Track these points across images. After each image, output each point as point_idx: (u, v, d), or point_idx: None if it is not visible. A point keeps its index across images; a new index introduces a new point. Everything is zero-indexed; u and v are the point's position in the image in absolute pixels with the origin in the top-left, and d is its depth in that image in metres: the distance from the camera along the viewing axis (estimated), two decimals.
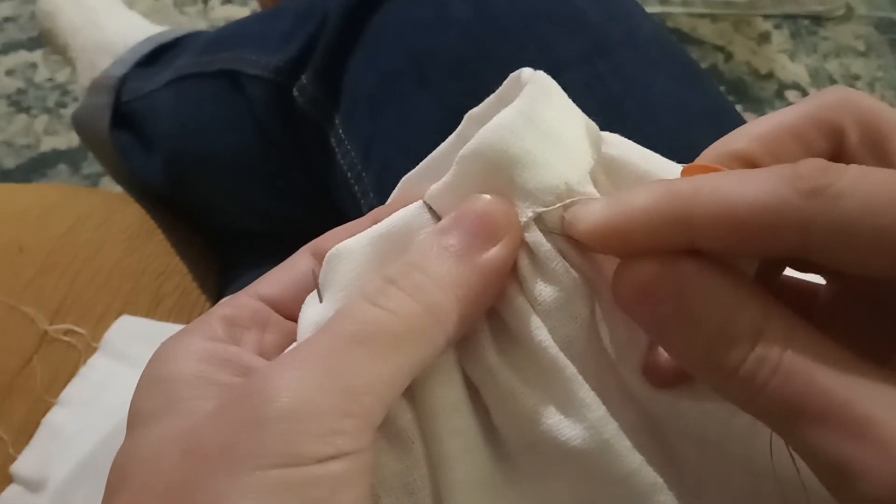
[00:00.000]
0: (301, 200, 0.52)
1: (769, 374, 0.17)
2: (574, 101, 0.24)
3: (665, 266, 0.18)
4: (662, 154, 0.24)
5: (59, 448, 0.46)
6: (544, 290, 0.20)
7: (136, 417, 0.20)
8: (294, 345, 0.21)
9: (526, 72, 0.23)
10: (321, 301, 0.22)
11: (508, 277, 0.20)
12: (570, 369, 0.20)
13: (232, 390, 0.19)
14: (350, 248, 0.21)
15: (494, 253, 0.20)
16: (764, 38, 1.31)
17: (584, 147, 0.22)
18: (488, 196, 0.20)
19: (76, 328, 0.51)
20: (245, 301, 0.23)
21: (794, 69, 1.27)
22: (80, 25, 0.72)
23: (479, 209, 0.20)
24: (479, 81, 0.42)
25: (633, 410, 0.21)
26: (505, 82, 0.23)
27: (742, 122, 0.41)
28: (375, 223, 0.22)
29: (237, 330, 0.22)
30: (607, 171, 0.22)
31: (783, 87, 1.26)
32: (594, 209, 0.19)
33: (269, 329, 0.23)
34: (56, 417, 0.47)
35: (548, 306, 0.20)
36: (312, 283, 0.23)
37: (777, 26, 1.32)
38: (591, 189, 0.21)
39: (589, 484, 0.20)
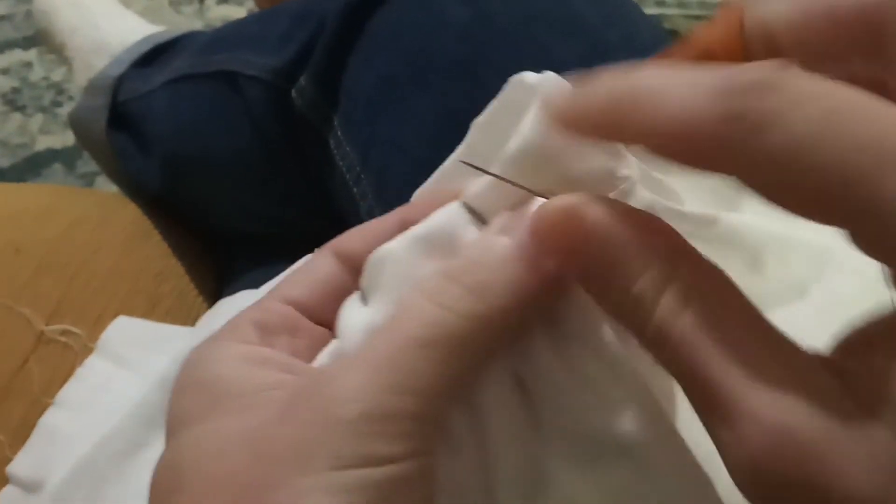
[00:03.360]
0: (299, 203, 0.52)
1: (664, 341, 0.16)
2: None
3: (571, 222, 0.18)
4: None
5: (56, 450, 0.46)
6: None
7: (179, 420, 0.20)
8: (347, 345, 0.21)
9: (529, 75, 0.23)
10: (365, 304, 0.22)
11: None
12: (630, 364, 0.20)
13: (296, 390, 0.19)
14: (393, 250, 0.21)
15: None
16: None
17: None
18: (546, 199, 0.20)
19: (73, 329, 0.51)
20: (273, 306, 0.23)
21: None
22: (77, 25, 0.72)
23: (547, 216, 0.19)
24: (477, 83, 0.42)
25: None
26: (506, 87, 0.23)
27: None
28: (403, 221, 0.22)
29: (268, 335, 0.22)
30: None
31: None
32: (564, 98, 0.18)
33: (299, 334, 0.23)
34: (53, 419, 0.47)
35: None
36: (340, 285, 0.23)
37: None
38: (627, 172, 0.21)
39: (638, 479, 0.20)
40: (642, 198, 0.21)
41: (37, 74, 1.19)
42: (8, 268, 0.52)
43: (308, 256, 0.25)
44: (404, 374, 0.18)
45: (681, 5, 1.33)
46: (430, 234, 0.21)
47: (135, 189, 0.65)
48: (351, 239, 0.24)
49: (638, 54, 0.42)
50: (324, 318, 0.23)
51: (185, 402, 0.20)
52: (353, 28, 0.45)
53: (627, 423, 0.20)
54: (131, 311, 0.52)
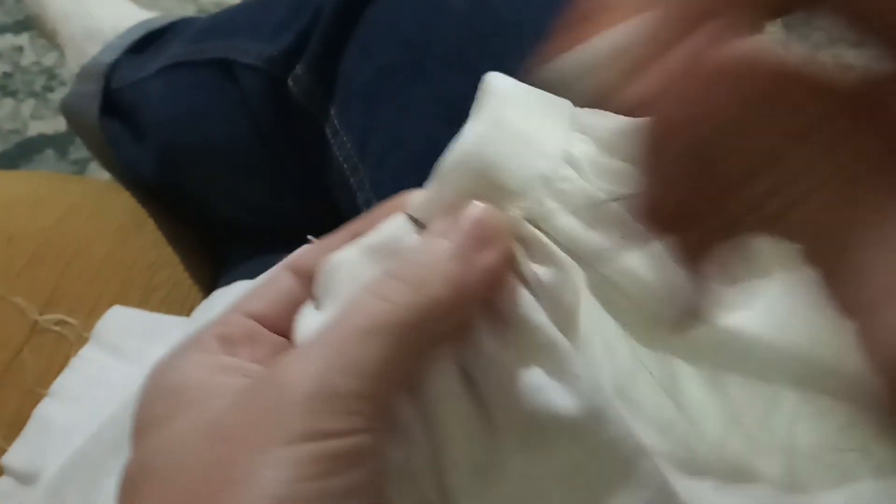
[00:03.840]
0: (296, 193, 0.52)
1: None
2: None
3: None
4: None
5: (51, 441, 0.45)
6: (541, 272, 0.23)
7: (145, 424, 0.21)
8: (304, 340, 0.23)
9: (486, 77, 0.25)
10: (318, 310, 0.24)
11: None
12: (565, 344, 0.22)
13: (250, 382, 0.21)
14: (344, 259, 0.23)
15: (491, 256, 0.22)
16: (756, 28, 1.31)
17: (555, 133, 0.24)
18: (480, 204, 0.22)
19: (67, 319, 0.50)
20: (235, 319, 0.24)
21: None
22: (69, 10, 0.71)
23: (474, 215, 0.22)
24: (476, 74, 0.41)
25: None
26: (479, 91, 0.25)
27: None
28: (353, 236, 0.24)
29: (231, 346, 0.24)
30: (593, 139, 0.24)
31: None
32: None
33: (260, 344, 0.24)
34: (47, 409, 0.47)
35: (547, 284, 0.22)
36: (297, 298, 0.25)
37: None
38: (567, 172, 0.23)
39: (578, 453, 0.22)
40: (592, 188, 0.23)
41: (28, 59, 1.18)
42: (1, 257, 0.51)
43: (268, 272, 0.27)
44: (350, 358, 0.20)
45: None
46: (378, 242, 0.23)
47: (128, 178, 0.64)
48: (307, 255, 0.26)
49: None
50: (283, 329, 0.25)
51: (152, 408, 0.22)
52: (350, 16, 0.45)
53: (566, 400, 0.22)
54: (126, 301, 0.52)
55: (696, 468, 0.22)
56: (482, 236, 0.22)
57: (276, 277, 0.26)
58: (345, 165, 0.44)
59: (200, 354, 0.23)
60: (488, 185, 0.23)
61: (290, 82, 0.47)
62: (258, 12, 0.54)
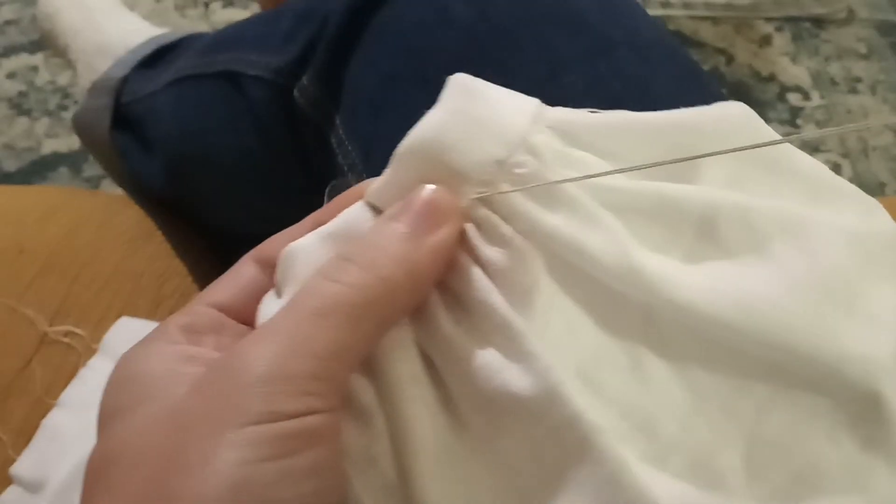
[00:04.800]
0: (302, 202, 0.52)
1: None
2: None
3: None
4: None
5: (58, 450, 0.46)
6: (496, 254, 0.23)
7: (108, 415, 0.22)
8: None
9: (450, 78, 0.26)
10: (279, 297, 0.24)
11: (458, 251, 0.23)
12: (519, 325, 0.22)
13: (207, 369, 0.21)
14: (303, 246, 0.24)
15: (441, 235, 0.22)
16: (765, 40, 1.31)
17: (516, 122, 0.24)
18: (432, 185, 0.23)
19: (76, 330, 0.51)
20: (199, 309, 0.25)
21: (795, 72, 1.27)
22: (81, 27, 0.72)
23: (425, 197, 0.23)
24: None
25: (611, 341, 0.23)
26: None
27: None
28: (317, 224, 0.24)
29: (195, 336, 0.24)
30: (559, 133, 0.25)
31: (785, 89, 1.25)
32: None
33: (225, 333, 0.24)
34: (56, 419, 0.47)
35: (502, 266, 0.23)
36: (261, 288, 0.25)
37: (778, 29, 1.32)
38: (523, 158, 0.23)
39: (538, 433, 0.22)
40: (552, 176, 0.23)
41: (43, 78, 1.19)
42: (11, 268, 0.52)
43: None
44: (302, 340, 0.20)
45: (686, 6, 1.33)
46: (335, 229, 0.24)
47: (138, 190, 0.64)
48: (270, 245, 0.26)
49: (641, 51, 0.42)
50: (248, 319, 0.25)
51: (116, 398, 0.22)
52: (355, 26, 0.45)
53: (522, 381, 0.21)
54: (134, 312, 0.52)
55: (657, 452, 0.22)
56: (433, 217, 0.22)
57: (240, 267, 0.26)
58: (350, 174, 0.44)
59: (164, 345, 0.23)
60: (444, 168, 0.23)
61: (295, 93, 0.48)
62: (265, 25, 0.55)
